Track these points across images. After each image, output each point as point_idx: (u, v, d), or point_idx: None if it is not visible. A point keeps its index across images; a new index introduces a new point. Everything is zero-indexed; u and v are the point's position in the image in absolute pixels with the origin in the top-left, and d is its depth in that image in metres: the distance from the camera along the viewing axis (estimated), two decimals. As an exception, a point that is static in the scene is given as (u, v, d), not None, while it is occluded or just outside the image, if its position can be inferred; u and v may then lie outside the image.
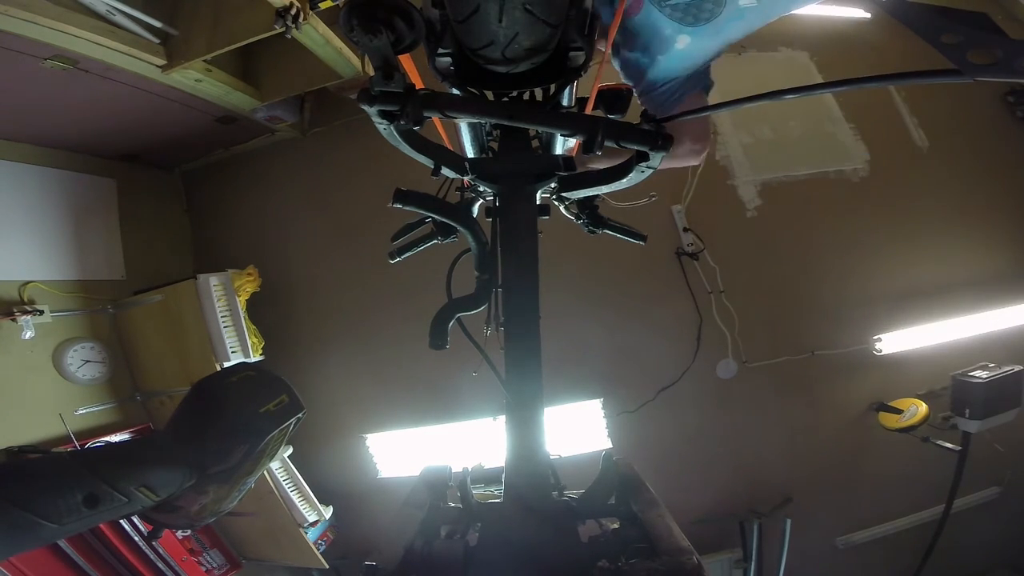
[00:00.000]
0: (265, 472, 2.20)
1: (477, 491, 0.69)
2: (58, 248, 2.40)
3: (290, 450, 2.59)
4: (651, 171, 0.71)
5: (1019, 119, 2.93)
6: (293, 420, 0.63)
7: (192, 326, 2.41)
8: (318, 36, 2.04)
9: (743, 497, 2.60)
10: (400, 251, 0.95)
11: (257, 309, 2.64)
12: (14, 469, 0.50)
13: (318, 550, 2.55)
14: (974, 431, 2.27)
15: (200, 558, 2.45)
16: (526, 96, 0.84)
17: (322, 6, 1.92)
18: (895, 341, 2.56)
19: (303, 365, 2.85)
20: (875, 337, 2.57)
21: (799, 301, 2.67)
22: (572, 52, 0.70)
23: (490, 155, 0.94)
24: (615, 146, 0.65)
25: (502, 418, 0.58)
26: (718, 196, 2.75)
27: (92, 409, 2.31)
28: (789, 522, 2.44)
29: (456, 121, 0.74)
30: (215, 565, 2.52)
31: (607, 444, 2.67)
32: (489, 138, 0.94)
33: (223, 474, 0.58)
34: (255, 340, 2.56)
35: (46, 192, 2.41)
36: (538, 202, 0.77)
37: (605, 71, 0.88)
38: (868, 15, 3.05)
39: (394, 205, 0.77)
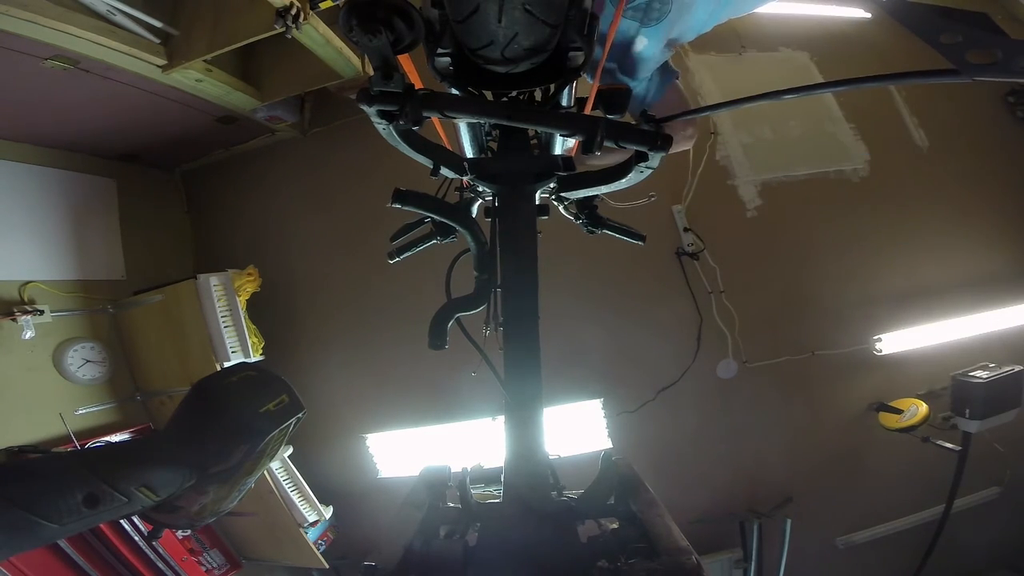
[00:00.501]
0: (265, 472, 2.20)
1: (476, 491, 0.69)
2: (58, 248, 2.41)
3: (290, 450, 2.59)
4: (650, 171, 0.71)
5: (1019, 119, 2.93)
6: (293, 420, 0.63)
7: (192, 326, 2.41)
8: (318, 36, 2.04)
9: (743, 497, 2.60)
10: (399, 251, 0.95)
11: (257, 309, 2.64)
12: (14, 469, 0.50)
13: (318, 550, 2.55)
14: (974, 431, 2.27)
15: (200, 558, 2.45)
16: (525, 96, 0.84)
17: (322, 6, 1.92)
18: (895, 341, 2.56)
19: (303, 365, 2.85)
20: (875, 337, 2.58)
21: (799, 301, 2.67)
22: (572, 52, 0.70)
23: (489, 155, 0.94)
24: (614, 146, 0.65)
25: (501, 418, 0.58)
26: (718, 196, 2.75)
27: (92, 409, 2.31)
28: (789, 522, 2.44)
29: (455, 121, 0.74)
30: (215, 565, 2.52)
31: (607, 444, 2.67)
32: (488, 138, 0.94)
33: (223, 474, 0.58)
34: (255, 340, 2.56)
35: (46, 192, 2.41)
36: (537, 202, 0.77)
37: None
38: (868, 15, 3.05)
39: (393, 205, 0.77)
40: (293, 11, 1.85)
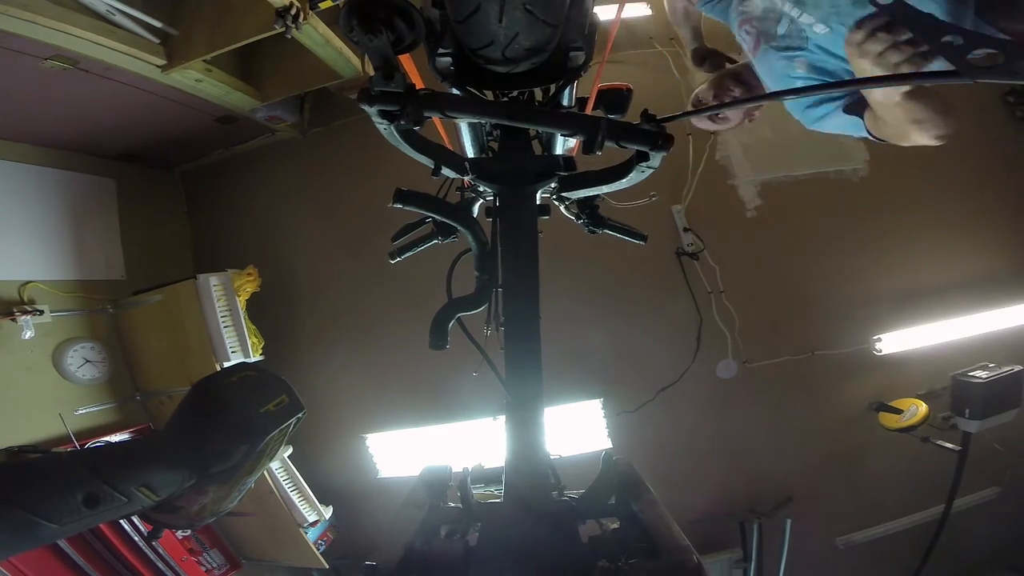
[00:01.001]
0: (265, 472, 2.20)
1: (477, 491, 0.69)
2: (58, 248, 2.41)
3: (290, 450, 2.59)
4: (651, 171, 0.71)
5: (1019, 119, 2.93)
6: (293, 420, 0.63)
7: (192, 326, 2.41)
8: (318, 36, 2.04)
9: (743, 497, 2.60)
10: (400, 251, 0.95)
11: (257, 309, 2.64)
12: (14, 469, 0.50)
13: (318, 550, 2.55)
14: (974, 431, 2.28)
15: (200, 558, 2.45)
16: (526, 96, 0.84)
17: (322, 6, 1.92)
18: (895, 341, 2.56)
19: (303, 365, 2.85)
20: (875, 337, 2.58)
21: (799, 301, 2.67)
22: (572, 52, 0.70)
23: (490, 155, 0.94)
24: (615, 146, 0.65)
25: (502, 418, 0.58)
26: (718, 196, 2.75)
27: (92, 409, 2.31)
28: (789, 522, 2.44)
29: (456, 121, 0.74)
30: (215, 565, 2.52)
31: (607, 444, 2.67)
32: (489, 138, 0.94)
33: (223, 474, 0.58)
34: (255, 340, 2.56)
35: (46, 192, 2.41)
36: (538, 202, 0.77)
37: (606, 71, 0.88)
38: (868, 15, 3.05)
39: (394, 205, 0.77)
40: (293, 11, 1.85)
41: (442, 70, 0.71)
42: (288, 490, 2.49)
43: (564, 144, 0.93)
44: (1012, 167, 2.86)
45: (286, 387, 0.65)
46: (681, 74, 2.90)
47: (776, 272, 2.70)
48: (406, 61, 0.70)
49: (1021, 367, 2.29)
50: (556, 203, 0.97)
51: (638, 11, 2.95)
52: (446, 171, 0.76)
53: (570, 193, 0.85)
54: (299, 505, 2.50)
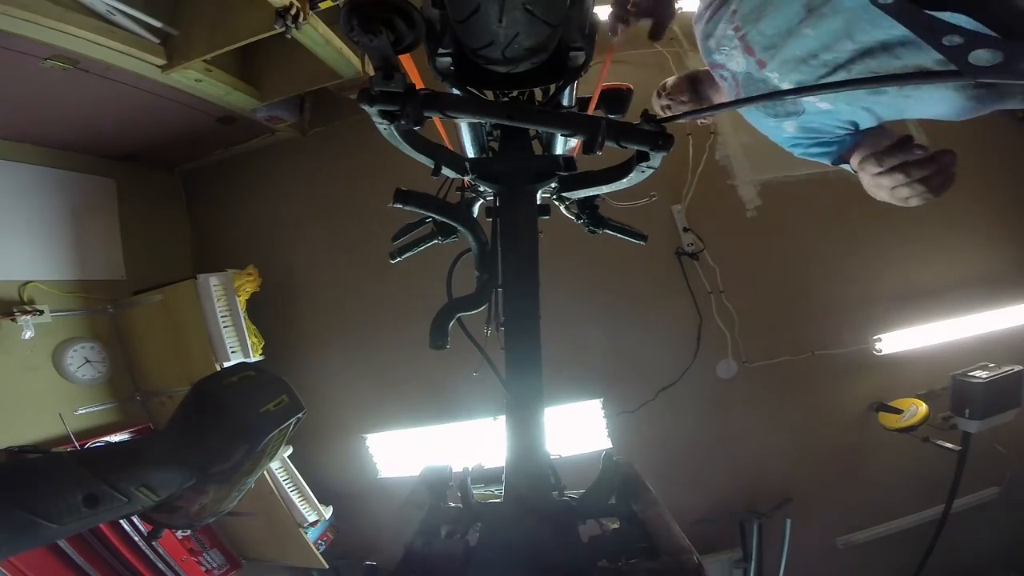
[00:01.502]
0: (265, 472, 2.20)
1: (477, 491, 0.69)
2: (58, 248, 2.41)
3: (290, 450, 2.59)
4: (651, 171, 0.71)
5: (1019, 120, 2.93)
6: (293, 420, 0.63)
7: (192, 326, 2.41)
8: (318, 36, 2.04)
9: (743, 497, 2.60)
10: (400, 251, 0.95)
11: (257, 309, 2.64)
12: (14, 469, 0.50)
13: (318, 550, 2.55)
14: (974, 431, 2.27)
15: (200, 558, 2.45)
16: (526, 96, 0.84)
17: (322, 6, 1.92)
18: (895, 341, 2.56)
19: (303, 365, 2.85)
20: (875, 337, 2.58)
21: (799, 301, 2.67)
22: (572, 52, 0.70)
23: (490, 155, 0.94)
24: (615, 146, 0.65)
25: (502, 418, 0.58)
26: (718, 196, 2.74)
27: (92, 409, 2.31)
28: (789, 522, 2.44)
29: (456, 121, 0.74)
30: (215, 565, 2.52)
31: (607, 444, 2.67)
32: (489, 138, 0.94)
33: (223, 474, 0.58)
34: (255, 340, 2.56)
35: (46, 192, 2.41)
36: (538, 202, 0.77)
37: (609, 71, 0.88)
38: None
39: (394, 205, 0.77)
40: (293, 11, 1.85)
41: (442, 70, 0.71)
42: (288, 490, 2.49)
43: (564, 144, 0.93)
44: (1012, 167, 2.86)
45: (286, 387, 0.64)
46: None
47: (776, 272, 2.70)
48: (406, 61, 0.70)
49: (1021, 367, 2.28)
50: (556, 203, 0.97)
51: (638, 11, 2.95)
52: (446, 171, 0.76)
53: (570, 193, 0.85)
54: (299, 505, 2.50)
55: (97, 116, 2.35)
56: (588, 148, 0.64)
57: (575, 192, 0.84)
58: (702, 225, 2.71)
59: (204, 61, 2.07)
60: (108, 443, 2.21)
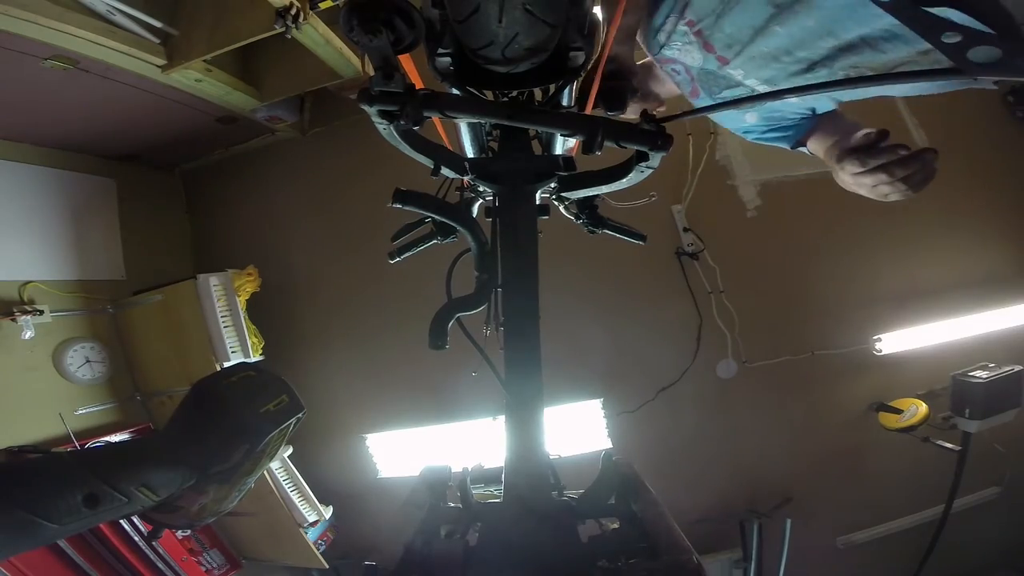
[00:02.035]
0: (265, 472, 2.20)
1: (477, 491, 0.69)
2: (58, 248, 2.41)
3: (290, 450, 2.59)
4: (651, 171, 0.71)
5: (1019, 119, 2.92)
6: (293, 420, 0.63)
7: (192, 326, 2.41)
8: (318, 36, 2.04)
9: (743, 497, 2.60)
10: (400, 251, 0.95)
11: (257, 309, 2.64)
12: (14, 469, 0.50)
13: (318, 550, 2.55)
14: (974, 431, 2.27)
15: (200, 558, 2.45)
16: (526, 96, 0.84)
17: (322, 6, 1.92)
18: (895, 341, 2.56)
19: (303, 365, 2.85)
20: (875, 337, 2.57)
21: (799, 301, 2.67)
22: (572, 52, 0.70)
23: (490, 155, 0.94)
24: (615, 146, 0.65)
25: (502, 418, 0.58)
26: (718, 196, 2.74)
27: (92, 409, 2.31)
28: (789, 522, 2.44)
29: (456, 121, 0.74)
30: (215, 565, 2.52)
31: (607, 444, 2.67)
32: (489, 138, 0.94)
33: (223, 474, 0.58)
34: (255, 340, 2.56)
35: (46, 192, 2.41)
36: (538, 202, 0.77)
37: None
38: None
39: (394, 205, 0.77)
40: (293, 11, 1.85)
41: (442, 70, 0.71)
42: (288, 490, 2.49)
43: (564, 144, 0.93)
44: (1012, 167, 2.86)
45: (286, 387, 0.65)
46: (681, 74, 2.89)
47: (776, 272, 2.70)
48: (406, 61, 0.70)
49: (1021, 367, 2.28)
50: (556, 203, 0.97)
51: (638, 11, 2.95)
52: (446, 171, 0.76)
53: (570, 193, 0.86)
54: (299, 505, 2.50)
55: (97, 116, 2.35)
56: (587, 148, 0.65)
57: (574, 192, 0.84)
58: (702, 225, 2.71)
59: (204, 61, 2.07)
60: (108, 443, 2.21)
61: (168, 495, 0.54)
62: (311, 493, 2.56)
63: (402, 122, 0.63)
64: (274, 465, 2.46)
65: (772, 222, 2.73)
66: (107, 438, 2.29)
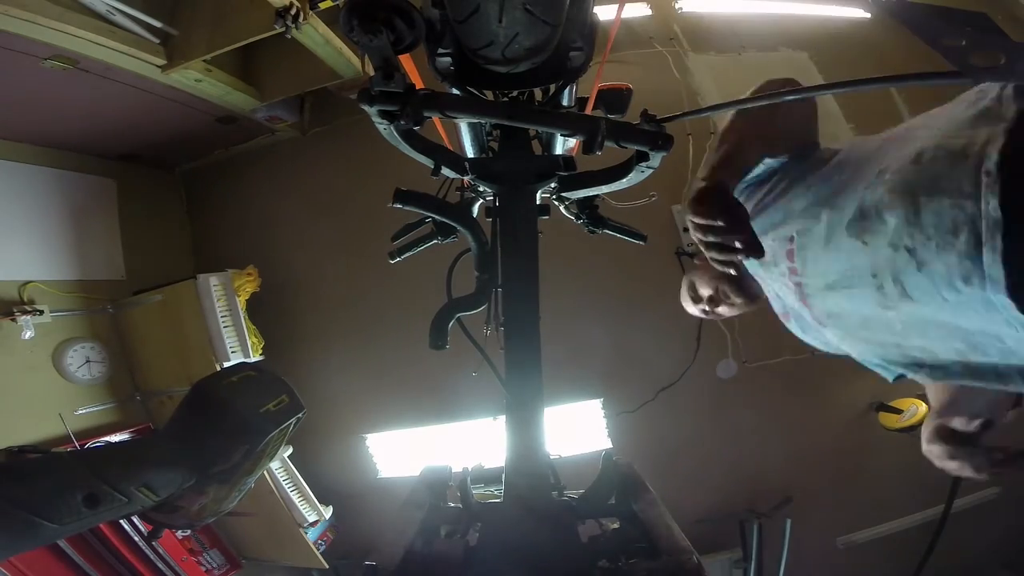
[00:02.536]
0: (265, 472, 2.20)
1: (477, 491, 0.69)
2: (58, 248, 2.41)
3: (290, 450, 2.59)
4: (651, 171, 0.71)
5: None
6: (293, 420, 0.63)
7: (192, 326, 2.41)
8: (318, 36, 2.04)
9: (743, 497, 2.60)
10: (400, 251, 0.95)
11: (257, 309, 2.64)
12: (14, 469, 0.50)
13: (318, 550, 2.55)
14: (974, 431, 2.27)
15: (200, 558, 2.45)
16: (526, 96, 0.84)
17: (322, 6, 1.92)
18: (895, 341, 2.56)
19: (303, 365, 2.85)
20: (875, 337, 2.57)
21: (799, 301, 2.67)
22: (572, 52, 0.70)
23: (490, 155, 0.94)
24: (615, 146, 0.65)
25: (502, 418, 0.58)
26: (718, 196, 2.74)
27: (92, 409, 2.31)
28: (789, 522, 2.44)
29: (456, 121, 0.74)
30: (215, 565, 2.52)
31: (607, 444, 2.67)
32: (489, 138, 0.94)
33: (223, 474, 0.58)
34: (255, 340, 2.56)
35: (46, 192, 2.41)
36: (538, 202, 0.77)
37: (606, 71, 0.88)
38: (868, 15, 3.05)
39: (394, 205, 0.77)
40: (293, 11, 1.85)
41: (442, 70, 0.71)
42: (288, 490, 2.49)
43: (564, 144, 0.93)
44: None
45: (286, 387, 0.65)
46: (681, 74, 2.90)
47: (776, 272, 2.70)
48: (406, 61, 0.70)
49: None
50: (556, 203, 0.97)
51: (638, 11, 2.95)
52: (446, 171, 0.76)
53: (570, 193, 0.86)
54: (299, 505, 2.50)
55: (97, 116, 2.35)
56: (588, 148, 0.65)
57: (575, 192, 0.84)
58: (702, 225, 2.71)
59: (204, 61, 2.06)
60: (108, 443, 2.21)
61: (168, 495, 0.54)
62: (311, 493, 2.56)
63: (402, 122, 0.63)
64: (274, 465, 2.46)
65: (772, 222, 2.72)
66: (107, 438, 2.29)
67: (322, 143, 2.97)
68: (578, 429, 2.67)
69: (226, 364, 2.38)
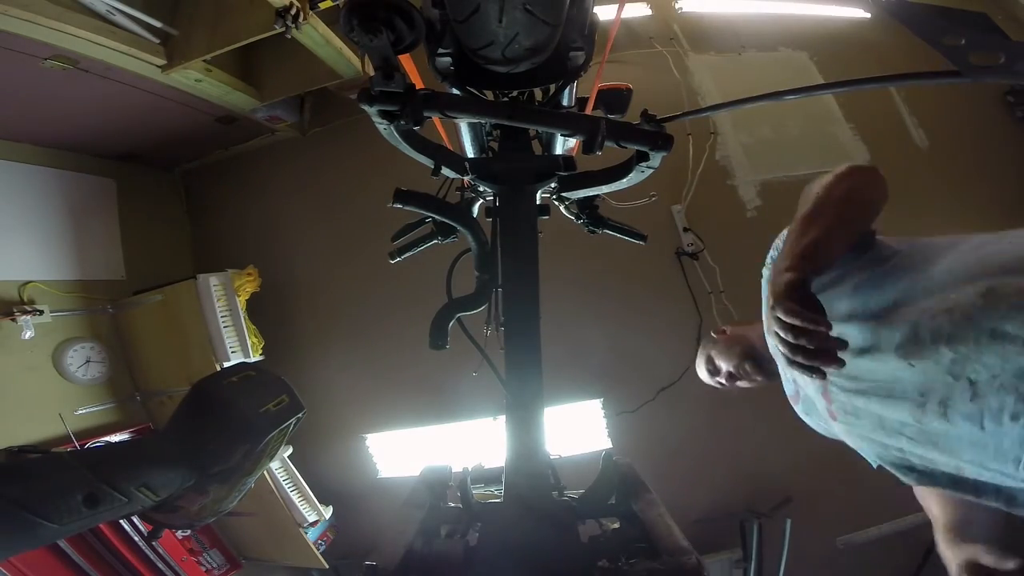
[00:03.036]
0: (265, 472, 2.20)
1: (477, 491, 0.69)
2: (58, 248, 2.40)
3: (290, 450, 2.59)
4: (651, 171, 0.71)
5: (1019, 119, 2.92)
6: (293, 420, 0.63)
7: (192, 326, 2.41)
8: (318, 36, 2.04)
9: (743, 497, 2.60)
10: (400, 251, 0.96)
11: (257, 309, 2.64)
12: (14, 469, 0.50)
13: (318, 550, 2.55)
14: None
15: (200, 558, 2.45)
16: (526, 96, 0.84)
17: (322, 6, 1.92)
18: (895, 341, 2.56)
19: (303, 365, 2.85)
20: (875, 337, 2.57)
21: (799, 301, 2.67)
22: (572, 52, 0.70)
23: (490, 155, 0.94)
24: (615, 146, 0.65)
25: (502, 418, 0.58)
26: (718, 196, 2.74)
27: (92, 409, 2.31)
28: (789, 522, 2.44)
29: (456, 121, 0.74)
30: (215, 565, 2.52)
31: (607, 444, 2.67)
32: (489, 138, 0.94)
33: (223, 474, 0.58)
34: (255, 340, 2.56)
35: (46, 192, 2.41)
36: (538, 202, 0.77)
37: (606, 71, 0.88)
38: (868, 15, 3.05)
39: (394, 205, 0.77)
40: (293, 11, 1.85)
41: (442, 70, 0.71)
42: (288, 490, 2.49)
43: (564, 144, 0.93)
44: (1012, 167, 2.86)
45: (286, 387, 0.65)
46: (681, 74, 2.90)
47: (776, 272, 2.69)
48: (406, 61, 0.70)
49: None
50: (556, 203, 0.97)
51: (638, 11, 2.95)
52: (446, 171, 0.76)
53: (570, 193, 0.86)
54: (299, 505, 2.50)
55: (97, 116, 2.35)
56: (588, 148, 0.65)
57: (575, 192, 0.84)
58: (702, 225, 2.71)
59: (204, 61, 2.07)
60: (108, 443, 2.21)
61: (168, 495, 0.54)
62: (311, 493, 2.56)
63: (402, 122, 0.63)
64: (274, 465, 2.46)
65: (772, 222, 2.69)
66: (107, 438, 2.29)
67: (322, 143, 2.97)
68: (578, 429, 2.67)
69: (226, 364, 2.38)
